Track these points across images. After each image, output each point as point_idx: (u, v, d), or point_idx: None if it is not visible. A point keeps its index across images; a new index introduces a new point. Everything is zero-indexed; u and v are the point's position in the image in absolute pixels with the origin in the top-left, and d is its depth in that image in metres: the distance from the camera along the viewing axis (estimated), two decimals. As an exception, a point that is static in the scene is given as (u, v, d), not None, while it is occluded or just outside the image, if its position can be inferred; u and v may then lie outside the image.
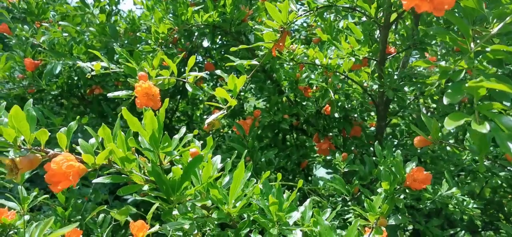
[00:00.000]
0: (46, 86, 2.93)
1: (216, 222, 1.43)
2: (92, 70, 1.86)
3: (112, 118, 2.96)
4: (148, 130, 1.24)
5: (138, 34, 2.72)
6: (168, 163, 1.34)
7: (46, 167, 1.19)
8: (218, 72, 1.71)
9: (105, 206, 2.25)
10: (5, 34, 3.07)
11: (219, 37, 2.45)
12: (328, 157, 2.52)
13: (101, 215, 2.27)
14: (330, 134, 2.63)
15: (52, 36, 2.71)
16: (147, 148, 1.31)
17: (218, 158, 1.42)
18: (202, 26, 2.19)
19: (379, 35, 2.20)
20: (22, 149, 1.21)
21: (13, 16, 3.15)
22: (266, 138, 2.92)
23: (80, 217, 2.35)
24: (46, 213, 2.43)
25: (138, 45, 2.46)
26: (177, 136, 1.35)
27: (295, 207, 1.47)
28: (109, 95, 1.92)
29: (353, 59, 2.17)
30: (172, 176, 1.29)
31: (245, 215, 1.43)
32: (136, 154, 1.34)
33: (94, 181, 1.31)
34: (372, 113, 3.14)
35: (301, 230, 1.38)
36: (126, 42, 3.22)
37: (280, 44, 1.67)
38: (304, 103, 2.61)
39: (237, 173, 1.32)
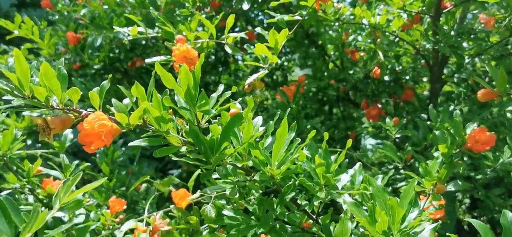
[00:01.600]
0: (89, 60, 2.92)
1: (258, 186, 1.34)
2: (129, 35, 1.80)
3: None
4: (183, 86, 1.16)
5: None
6: (206, 123, 1.26)
7: (79, 127, 1.13)
8: (258, 29, 1.60)
9: (149, 176, 2.22)
10: (48, 10, 3.08)
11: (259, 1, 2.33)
12: (378, 124, 2.37)
13: (144, 185, 2.24)
14: (380, 99, 2.48)
15: (93, 8, 2.69)
16: (183, 107, 1.23)
17: (259, 119, 1.33)
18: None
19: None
20: (54, 109, 1.15)
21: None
22: (311, 109, 2.79)
23: (124, 188, 2.33)
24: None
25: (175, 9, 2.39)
26: (214, 95, 1.26)
27: (344, 170, 1.36)
28: (147, 60, 1.86)
29: (405, 16, 2.00)
30: (210, 136, 1.21)
31: (290, 179, 1.33)
32: (174, 116, 1.26)
33: (130, 144, 1.25)
34: (425, 79, 2.95)
35: (350, 195, 1.27)
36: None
37: (325, -4, 1.53)
38: (350, 71, 2.46)
39: (280, 132, 1.22)
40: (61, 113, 1.15)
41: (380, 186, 1.15)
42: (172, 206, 1.69)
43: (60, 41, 3.04)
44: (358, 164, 1.41)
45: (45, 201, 1.85)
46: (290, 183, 1.32)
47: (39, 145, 3.33)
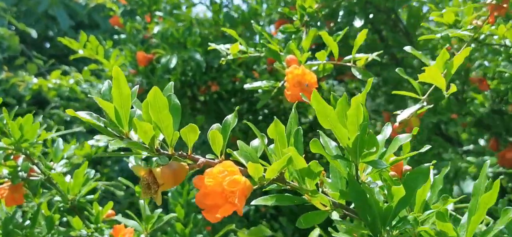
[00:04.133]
0: (158, 83, 2.62)
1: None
2: (228, 54, 1.46)
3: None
4: (352, 127, 0.78)
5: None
6: (368, 178, 0.88)
7: (196, 182, 0.78)
8: (407, 48, 1.21)
9: (234, 225, 1.85)
10: (115, 28, 2.82)
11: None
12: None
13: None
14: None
15: (167, 26, 2.39)
16: (338, 156, 0.85)
17: (437, 174, 0.93)
18: (355, 1, 1.72)
19: None
20: (161, 154, 0.80)
21: (124, 9, 2.90)
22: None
23: (201, 235, 1.97)
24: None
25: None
26: (380, 137, 0.87)
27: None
28: (247, 86, 1.51)
29: None
30: (383, 200, 0.83)
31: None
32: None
33: (253, 203, 0.87)
34: None
35: None
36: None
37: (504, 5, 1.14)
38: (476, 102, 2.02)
39: (485, 197, 0.81)
40: (170, 161, 0.80)
41: None
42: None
43: (127, 62, 2.76)
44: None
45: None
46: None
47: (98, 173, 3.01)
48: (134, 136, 0.81)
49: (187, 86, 2.76)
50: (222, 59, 1.47)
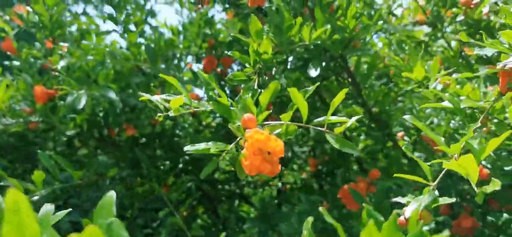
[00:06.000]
0: (60, 123, 2.17)
1: None
2: (168, 110, 1.11)
3: (148, 169, 2.19)
4: None
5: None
6: None
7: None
8: (408, 118, 0.97)
9: None
10: (8, 53, 2.32)
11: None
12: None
13: None
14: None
15: (74, 59, 1.97)
16: None
17: None
18: (312, 47, 1.47)
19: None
20: None
21: (20, 30, 2.40)
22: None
23: None
24: None
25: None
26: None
27: None
28: (187, 148, 1.17)
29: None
30: None
31: None
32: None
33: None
34: None
35: None
36: (163, 66, 2.52)
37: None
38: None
39: None
40: None
41: None
42: None
43: (19, 95, 2.27)
44: None
45: None
46: None
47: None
48: None
49: (95, 126, 2.33)
50: (159, 115, 1.12)
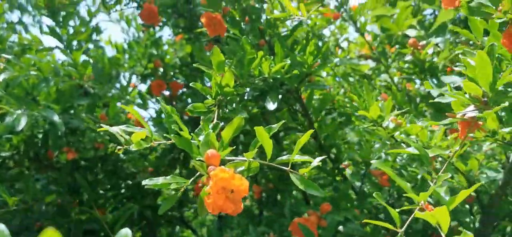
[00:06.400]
0: (-6, 145, 2.02)
1: None
2: (130, 144, 1.06)
3: (88, 195, 2.07)
4: None
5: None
6: None
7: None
8: (375, 163, 0.98)
9: None
10: None
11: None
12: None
13: None
14: None
15: (16, 73, 1.84)
16: None
17: None
18: (271, 80, 1.47)
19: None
20: None
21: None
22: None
23: None
24: None
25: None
26: None
27: None
28: (146, 182, 1.13)
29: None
30: None
31: None
32: None
33: None
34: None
35: None
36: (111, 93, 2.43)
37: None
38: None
39: None
40: None
41: None
42: None
43: None
44: None
45: None
46: None
47: None
48: None
49: (32, 147, 2.18)
50: (119, 148, 1.07)
